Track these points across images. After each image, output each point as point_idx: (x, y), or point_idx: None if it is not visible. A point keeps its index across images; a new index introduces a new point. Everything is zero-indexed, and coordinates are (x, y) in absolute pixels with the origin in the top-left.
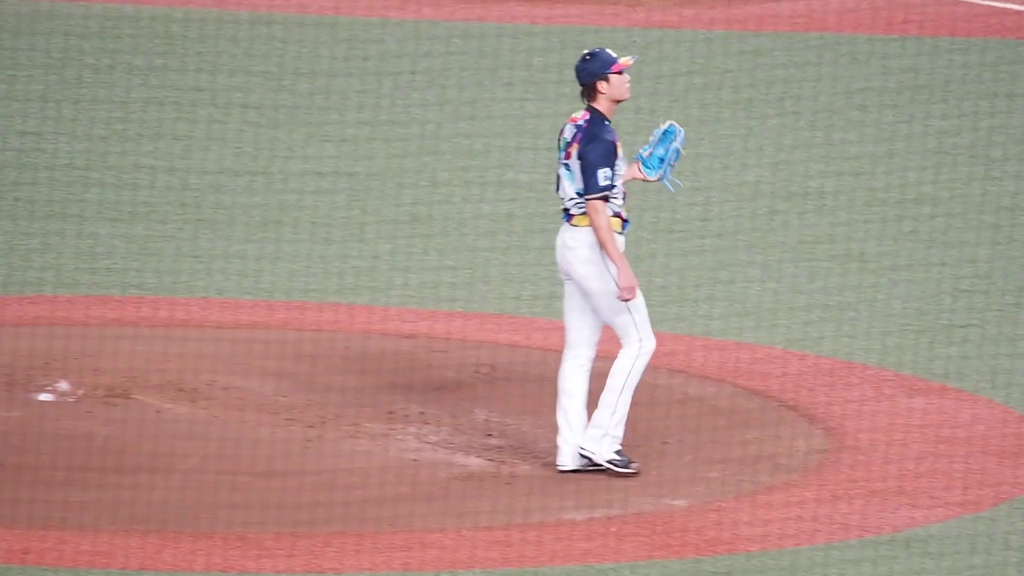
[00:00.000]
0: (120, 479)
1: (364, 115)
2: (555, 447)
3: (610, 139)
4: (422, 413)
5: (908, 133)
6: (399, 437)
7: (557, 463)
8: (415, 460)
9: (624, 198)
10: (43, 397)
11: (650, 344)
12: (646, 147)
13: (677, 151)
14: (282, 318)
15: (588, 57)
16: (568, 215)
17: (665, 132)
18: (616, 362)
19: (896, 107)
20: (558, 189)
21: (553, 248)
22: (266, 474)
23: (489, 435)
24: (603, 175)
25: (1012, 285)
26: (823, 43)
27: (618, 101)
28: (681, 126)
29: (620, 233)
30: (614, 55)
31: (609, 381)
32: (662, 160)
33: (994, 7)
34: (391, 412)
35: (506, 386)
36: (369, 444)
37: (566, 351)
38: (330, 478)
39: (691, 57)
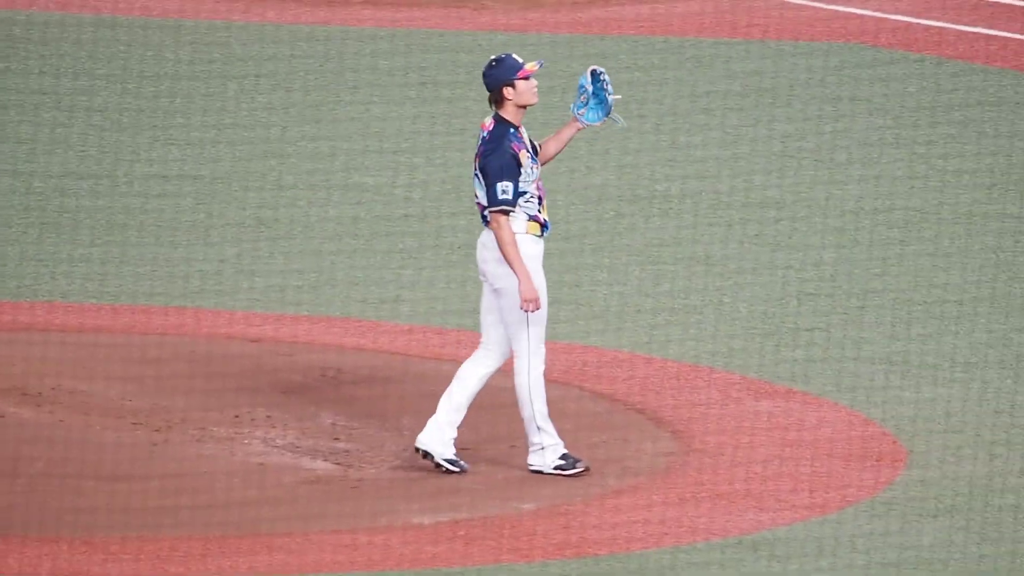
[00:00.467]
0: None
1: (209, 118)
2: (403, 450)
3: (510, 151)
4: (269, 417)
5: (753, 137)
6: (246, 441)
7: (417, 441)
8: (262, 464)
9: (540, 200)
10: None
11: (538, 365)
12: (576, 102)
13: (606, 90)
14: (128, 322)
15: (494, 63)
16: (484, 219)
17: (594, 76)
18: (515, 379)
19: (741, 111)
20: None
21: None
22: (112, 478)
23: (336, 439)
24: (501, 188)
25: (856, 288)
26: (668, 47)
27: (525, 106)
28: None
29: (540, 236)
30: (520, 60)
31: (519, 399)
32: (601, 101)
33: (837, 11)
34: (237, 416)
35: (352, 389)
36: (215, 448)
37: (476, 350)
38: (176, 482)
39: (537, 60)
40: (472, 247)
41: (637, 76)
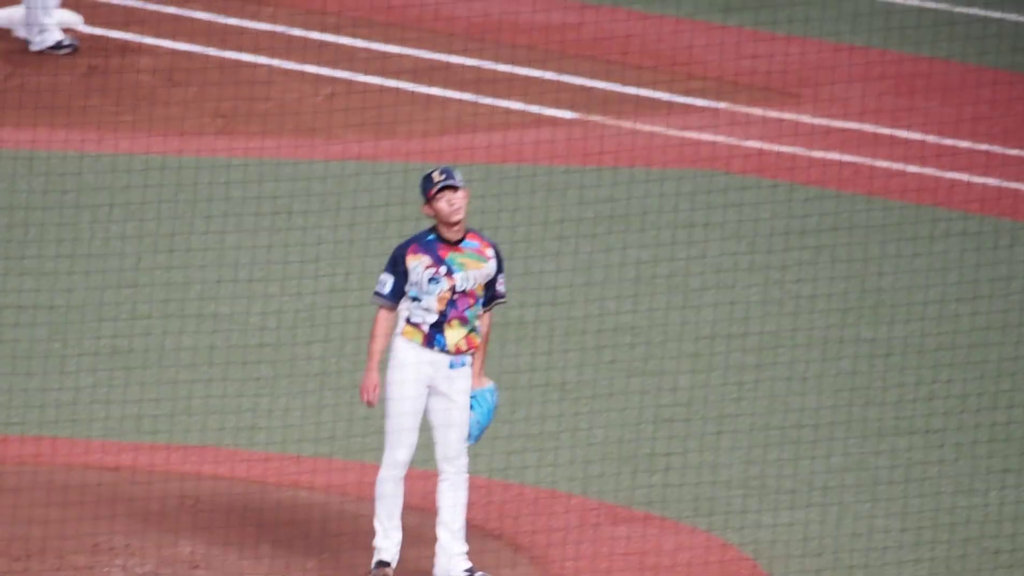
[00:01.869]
0: None
1: (63, 248)
2: None
3: (400, 250)
4: (128, 545)
5: (607, 263)
6: (105, 569)
7: None
8: None
9: (444, 319)
10: None
11: (388, 458)
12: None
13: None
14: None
15: (422, 179)
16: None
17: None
18: None
19: (594, 237)
20: None
21: None
22: None
23: (195, 567)
24: (380, 279)
25: (712, 413)
26: (520, 174)
27: (448, 222)
28: (380, 256)
29: (422, 346)
30: (435, 179)
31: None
32: (481, 426)
33: (688, 138)
34: (96, 544)
35: (211, 518)
36: None
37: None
38: None
39: (389, 189)
40: (327, 374)
41: (490, 204)
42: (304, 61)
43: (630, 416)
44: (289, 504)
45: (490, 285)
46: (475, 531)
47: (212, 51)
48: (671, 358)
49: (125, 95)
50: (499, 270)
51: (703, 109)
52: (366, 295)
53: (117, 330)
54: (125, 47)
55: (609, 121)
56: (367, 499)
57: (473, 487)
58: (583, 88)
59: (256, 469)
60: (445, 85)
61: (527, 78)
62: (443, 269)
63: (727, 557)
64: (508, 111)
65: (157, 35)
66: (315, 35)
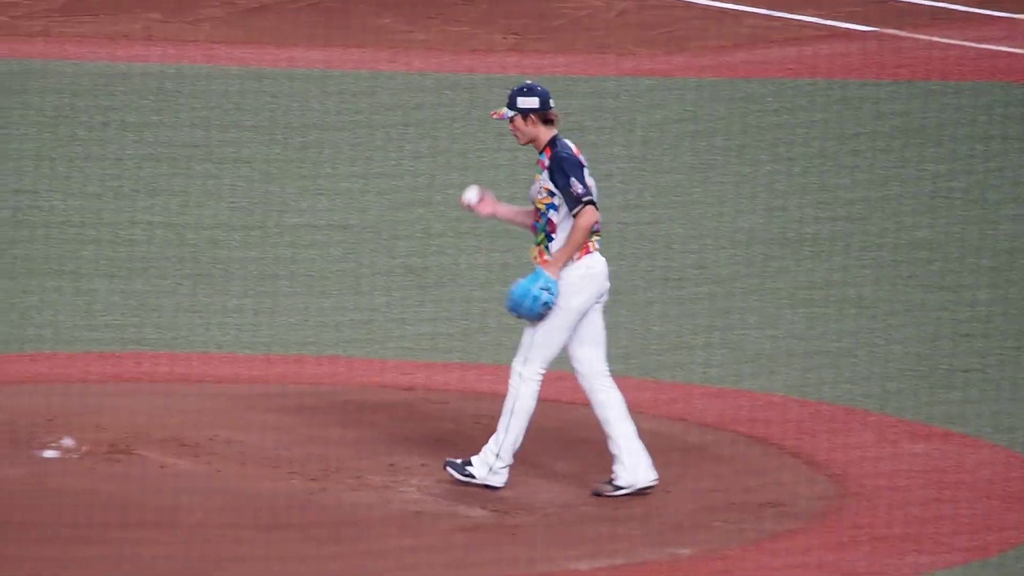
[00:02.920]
0: (123, 535)
1: (357, 168)
2: (557, 495)
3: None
4: (424, 465)
5: (903, 178)
6: (401, 489)
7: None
8: (418, 512)
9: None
10: (47, 454)
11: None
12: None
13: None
14: (281, 372)
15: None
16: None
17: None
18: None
19: (890, 152)
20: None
21: None
22: (269, 527)
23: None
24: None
25: (1013, 328)
26: (815, 88)
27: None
28: (673, 173)
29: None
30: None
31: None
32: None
33: (985, 50)
34: (392, 464)
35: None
36: (371, 496)
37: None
38: (332, 531)
39: (682, 105)
40: (622, 292)
41: (784, 118)
42: None
43: (927, 332)
44: (584, 422)
45: (564, 195)
46: (771, 448)
47: None
48: (969, 272)
49: (417, 13)
50: (553, 181)
51: (1000, 20)
52: (661, 212)
53: (411, 249)
54: None
55: (904, 34)
56: (662, 417)
57: (769, 405)
58: (878, 1)
59: (552, 387)
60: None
61: None
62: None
63: None
64: (802, 25)
65: None
66: None
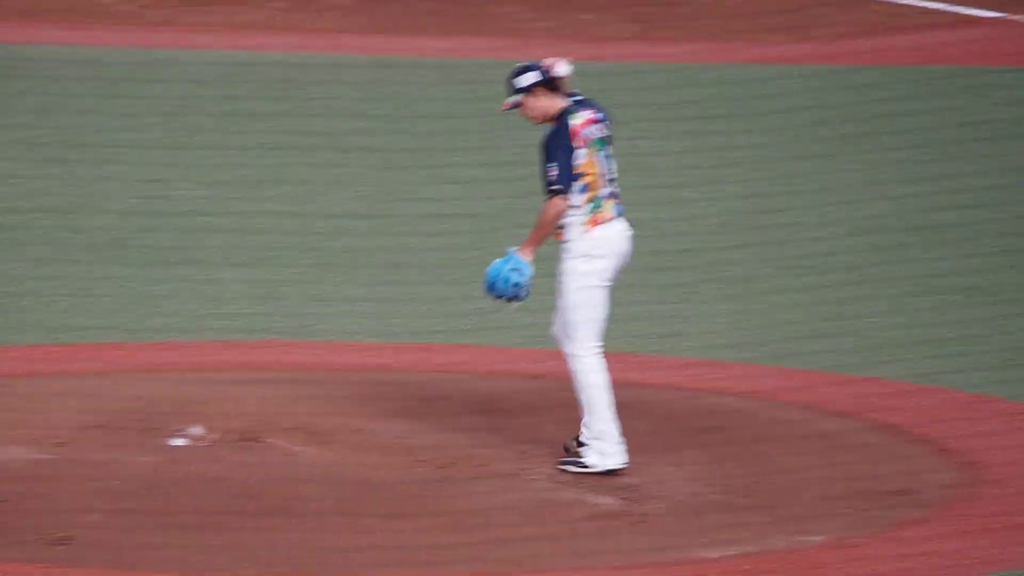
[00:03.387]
0: (252, 523)
1: (484, 156)
2: (685, 483)
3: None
4: (552, 452)
5: None
6: (530, 477)
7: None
8: (546, 500)
9: None
10: (176, 442)
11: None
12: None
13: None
14: (409, 360)
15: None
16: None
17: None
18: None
19: (1019, 138)
20: (611, 179)
21: None
22: (395, 516)
23: (621, 474)
24: None
25: None
26: (944, 75)
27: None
28: (800, 160)
29: None
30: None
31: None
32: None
33: None
34: (522, 451)
35: (635, 424)
36: (499, 484)
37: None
38: (460, 519)
39: (809, 92)
40: (749, 279)
41: (912, 106)
42: None
43: None
44: (713, 410)
45: (542, 175)
46: (900, 436)
47: None
48: None
49: (542, 2)
50: (544, 158)
51: None
52: (789, 200)
53: None
54: None
55: None
56: (792, 403)
57: (899, 392)
58: None
59: (679, 375)
60: None
61: None
62: None
63: None
64: (929, 11)
65: None
66: None
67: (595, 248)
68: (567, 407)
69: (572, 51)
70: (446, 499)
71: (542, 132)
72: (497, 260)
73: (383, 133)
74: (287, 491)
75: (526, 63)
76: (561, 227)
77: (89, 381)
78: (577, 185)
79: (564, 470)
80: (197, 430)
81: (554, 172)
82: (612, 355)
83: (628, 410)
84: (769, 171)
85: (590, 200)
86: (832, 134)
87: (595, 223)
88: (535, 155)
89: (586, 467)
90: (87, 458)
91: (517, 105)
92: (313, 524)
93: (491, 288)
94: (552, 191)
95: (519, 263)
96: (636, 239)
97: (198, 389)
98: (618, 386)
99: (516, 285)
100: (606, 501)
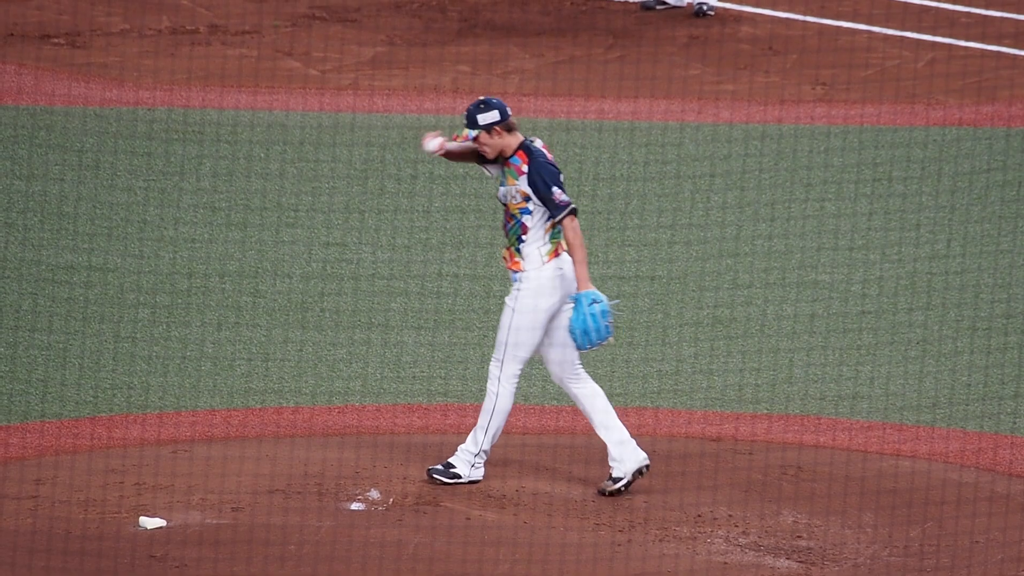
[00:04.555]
0: None
1: (665, 219)
2: (864, 545)
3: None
4: (730, 516)
5: None
6: (708, 540)
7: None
8: (724, 563)
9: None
10: (354, 506)
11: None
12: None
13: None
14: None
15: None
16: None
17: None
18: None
19: None
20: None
21: None
22: None
23: (798, 536)
24: (560, 193)
25: None
26: None
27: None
28: (982, 222)
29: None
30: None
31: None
32: (575, 331)
33: None
34: (699, 515)
35: (813, 487)
36: (678, 547)
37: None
38: None
39: (992, 154)
40: (929, 341)
41: None
42: (904, 27)
43: None
44: (891, 472)
45: (545, 203)
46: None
47: (811, 18)
48: None
49: (726, 64)
50: (534, 187)
51: None
52: (970, 261)
53: (719, 299)
54: (725, 16)
55: None
56: (971, 466)
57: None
58: None
59: (858, 437)
60: None
61: None
62: (495, 173)
63: None
64: None
65: (757, 4)
66: (915, 0)
67: (552, 281)
68: (745, 469)
69: (756, 114)
70: (627, 562)
71: (540, 168)
72: (572, 314)
73: None
74: (466, 555)
75: (485, 98)
76: (518, 251)
77: (266, 445)
78: (541, 215)
79: (440, 480)
80: (374, 494)
81: (562, 195)
82: (794, 417)
83: (806, 472)
84: (950, 232)
85: (550, 229)
86: (1014, 195)
87: (555, 255)
88: (716, 217)
89: (459, 476)
90: (264, 522)
91: (475, 139)
92: None
93: (588, 339)
94: (569, 212)
95: (591, 296)
96: (819, 301)
97: (376, 452)
98: (795, 448)
99: (604, 314)
100: (784, 564)
